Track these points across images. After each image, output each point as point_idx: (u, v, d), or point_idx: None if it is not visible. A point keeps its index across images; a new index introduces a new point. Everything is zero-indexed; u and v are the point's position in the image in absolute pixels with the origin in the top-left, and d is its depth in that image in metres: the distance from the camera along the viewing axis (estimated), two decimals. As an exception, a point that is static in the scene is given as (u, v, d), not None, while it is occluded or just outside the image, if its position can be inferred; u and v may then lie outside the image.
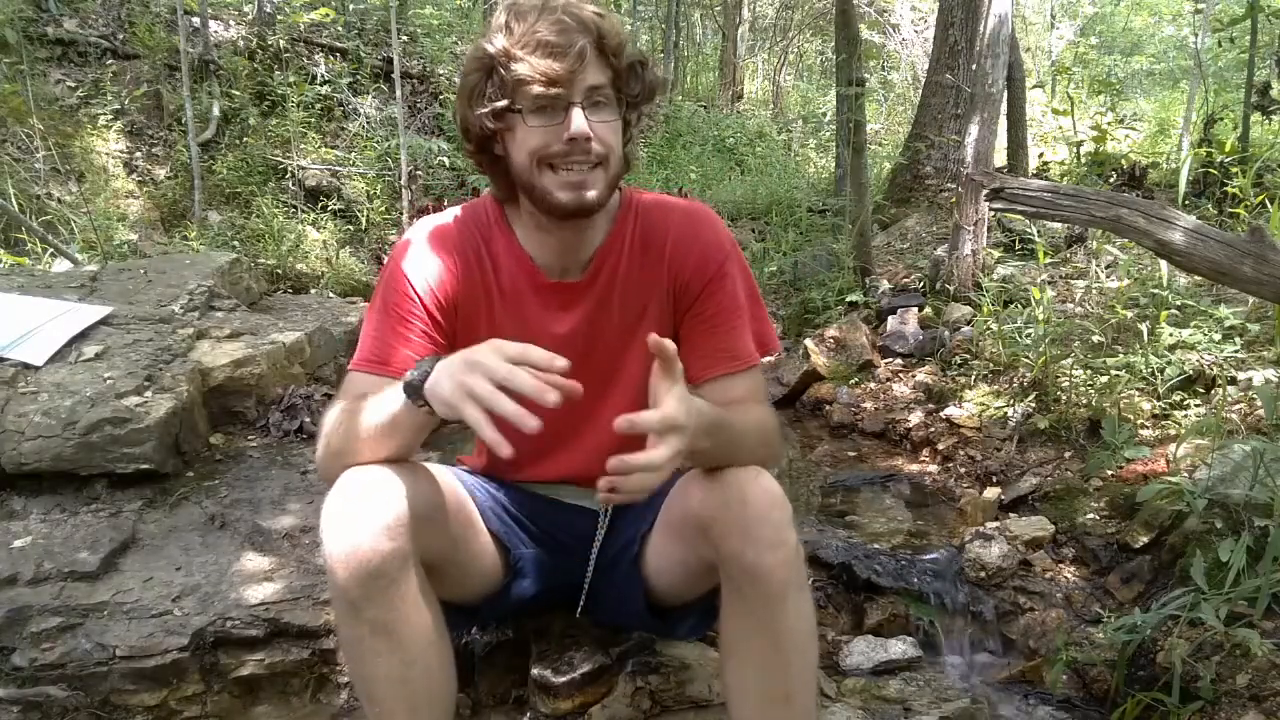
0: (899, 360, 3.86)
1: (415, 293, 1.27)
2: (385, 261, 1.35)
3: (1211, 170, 4.26)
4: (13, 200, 4.42)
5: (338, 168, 6.40)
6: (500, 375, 0.98)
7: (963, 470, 2.97)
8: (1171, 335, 2.88)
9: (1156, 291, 3.13)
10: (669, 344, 1.03)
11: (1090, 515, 2.42)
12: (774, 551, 1.11)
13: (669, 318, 1.34)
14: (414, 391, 1.08)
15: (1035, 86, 6.93)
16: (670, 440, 1.01)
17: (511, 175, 1.24)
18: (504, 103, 1.18)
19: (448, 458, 2.32)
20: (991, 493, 2.72)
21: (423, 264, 1.29)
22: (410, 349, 1.25)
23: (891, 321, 4.05)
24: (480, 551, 1.34)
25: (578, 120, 1.15)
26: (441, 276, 1.29)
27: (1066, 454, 2.77)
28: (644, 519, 1.36)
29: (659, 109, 9.99)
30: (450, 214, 1.36)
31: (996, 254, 4.16)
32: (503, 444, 0.97)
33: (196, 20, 6.30)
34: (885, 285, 4.47)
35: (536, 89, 1.14)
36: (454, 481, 1.32)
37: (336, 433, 1.18)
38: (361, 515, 1.09)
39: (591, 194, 1.20)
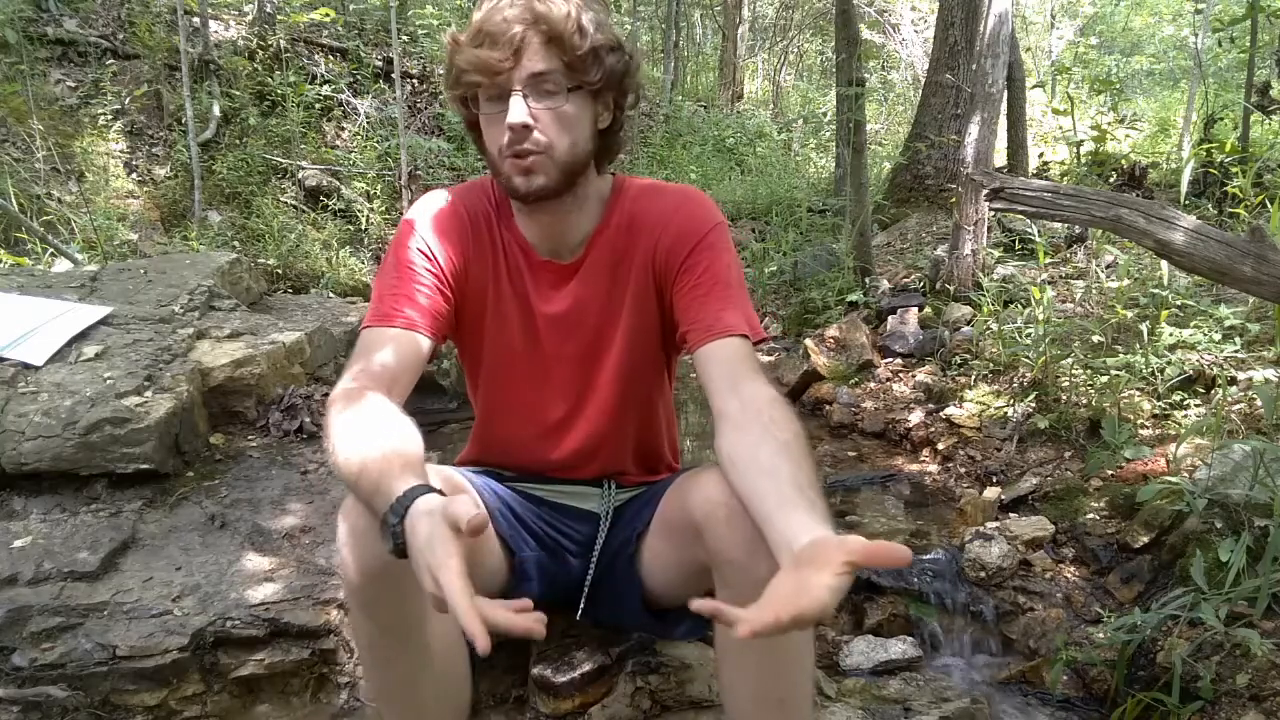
0: (899, 360, 3.86)
1: (430, 252, 1.28)
2: (397, 227, 1.35)
3: (1212, 170, 4.27)
4: (13, 200, 4.42)
5: (338, 168, 6.40)
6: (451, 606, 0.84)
7: (963, 470, 2.97)
8: (1171, 335, 2.88)
9: (1156, 291, 3.13)
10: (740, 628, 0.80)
11: (1090, 515, 2.42)
12: (767, 557, 1.11)
13: (651, 295, 1.33)
14: (391, 532, 0.96)
15: (1035, 86, 6.92)
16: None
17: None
18: (459, 91, 1.21)
19: (448, 458, 2.33)
20: (991, 493, 2.72)
21: (437, 229, 1.30)
22: (424, 304, 1.26)
23: (891, 321, 4.05)
24: (489, 553, 1.34)
25: (514, 109, 1.15)
26: (454, 243, 1.31)
27: (1066, 454, 2.77)
28: (640, 518, 1.36)
29: (659, 107, 10.00)
30: (457, 189, 1.37)
31: (996, 254, 4.17)
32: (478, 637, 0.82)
33: (196, 20, 6.30)
34: (885, 285, 4.47)
35: (470, 79, 1.16)
36: (464, 483, 1.33)
37: (339, 447, 1.08)
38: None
39: (539, 180, 1.19)
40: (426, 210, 1.33)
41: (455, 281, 1.31)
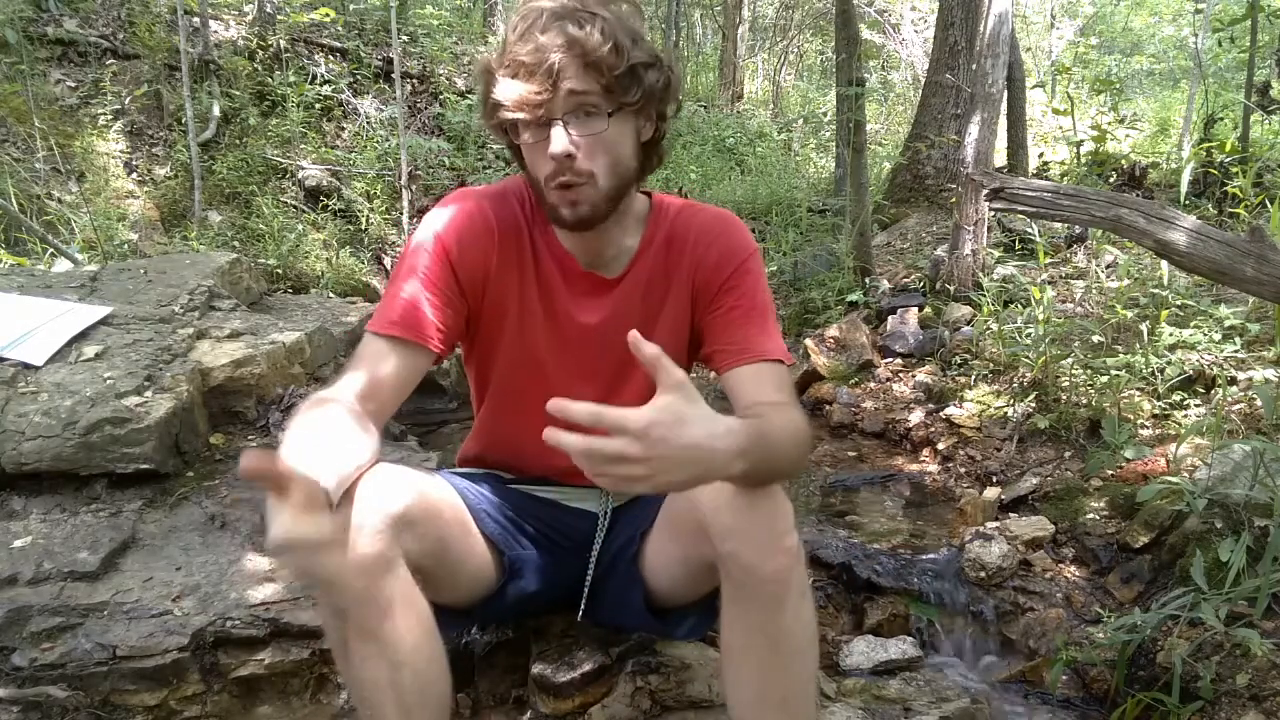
0: (899, 360, 3.86)
1: (448, 258, 1.27)
2: (420, 223, 1.34)
3: (1212, 170, 4.27)
4: (13, 200, 4.42)
5: (338, 168, 6.40)
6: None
7: (963, 470, 2.97)
8: (1171, 335, 2.88)
9: (1156, 291, 3.13)
10: (647, 346, 0.94)
11: (1090, 515, 2.42)
12: (774, 556, 1.11)
13: (686, 313, 1.34)
14: None
15: (1035, 86, 6.93)
16: (617, 443, 0.90)
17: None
18: (495, 120, 1.19)
19: (448, 458, 2.33)
20: (991, 493, 2.72)
21: (460, 234, 1.28)
22: (432, 314, 1.24)
23: (891, 321, 4.05)
24: (471, 553, 1.33)
25: (557, 139, 1.14)
26: (476, 249, 1.29)
27: (1066, 454, 2.77)
28: (644, 518, 1.36)
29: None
30: (488, 191, 1.35)
31: (996, 254, 4.16)
32: None
33: (196, 20, 6.30)
34: (885, 285, 4.47)
35: (508, 115, 1.15)
36: (440, 483, 1.32)
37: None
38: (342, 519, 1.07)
39: (585, 210, 1.20)
40: (451, 213, 1.30)
41: (472, 289, 1.29)
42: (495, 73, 1.16)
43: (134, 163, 5.80)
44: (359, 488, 1.10)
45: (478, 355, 1.41)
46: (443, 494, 1.30)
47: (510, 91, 1.13)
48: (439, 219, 1.30)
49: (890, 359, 3.89)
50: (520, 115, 1.14)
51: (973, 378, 3.37)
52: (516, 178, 1.36)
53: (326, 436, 1.08)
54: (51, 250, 4.14)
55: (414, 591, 1.16)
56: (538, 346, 1.35)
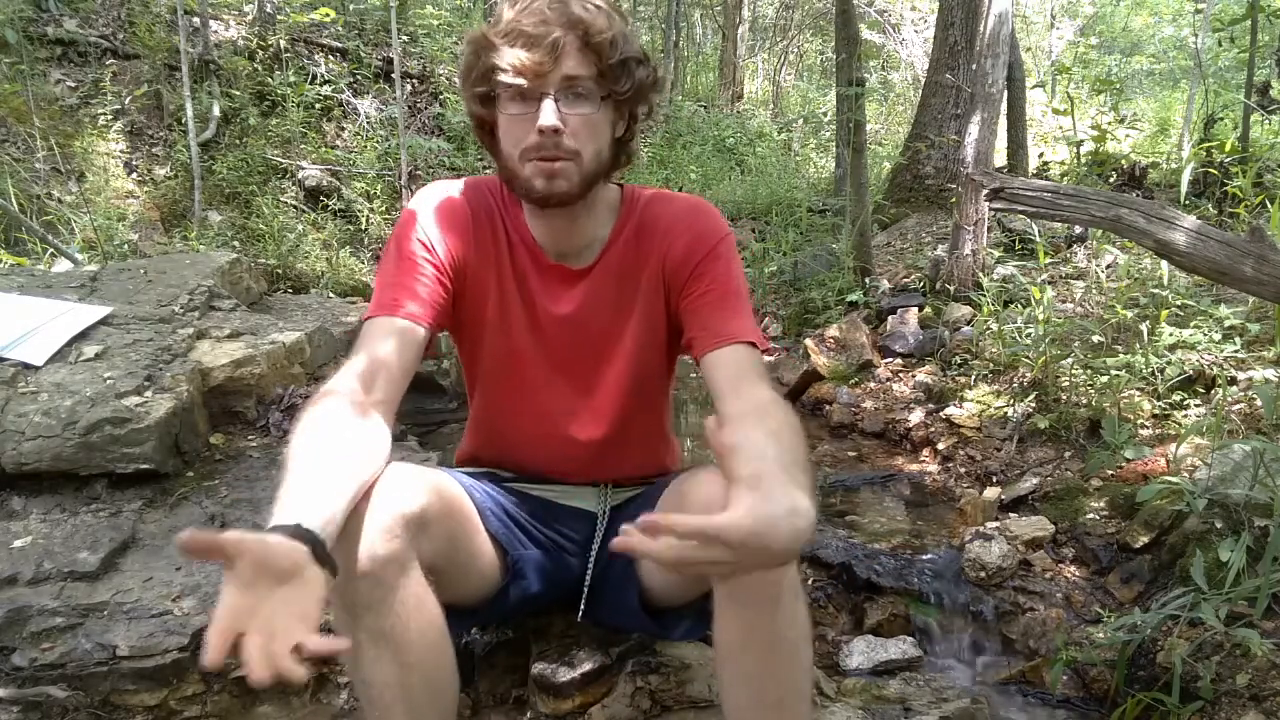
0: (899, 360, 3.87)
1: (429, 243, 1.28)
2: (399, 219, 1.35)
3: (1211, 170, 4.27)
4: (13, 200, 4.42)
5: (338, 168, 6.40)
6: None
7: (963, 470, 2.97)
8: (1171, 335, 2.88)
9: (1156, 291, 3.13)
10: (724, 437, 0.92)
11: (1090, 515, 2.42)
12: None
13: (661, 303, 1.35)
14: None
15: (1035, 86, 6.93)
16: (709, 550, 0.87)
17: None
18: (484, 89, 1.20)
19: (448, 458, 2.33)
20: (991, 493, 2.72)
21: (438, 220, 1.30)
22: (423, 294, 1.26)
23: (891, 321, 4.06)
24: (479, 552, 1.34)
25: (547, 112, 1.15)
26: (455, 236, 1.30)
27: (1066, 454, 2.77)
28: (640, 518, 1.36)
29: (661, 107, 10.00)
30: (462, 183, 1.37)
31: (996, 254, 4.16)
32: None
33: (196, 20, 6.30)
34: (885, 285, 4.47)
35: (506, 79, 1.15)
36: (450, 481, 1.32)
37: (295, 440, 1.07)
38: (358, 519, 1.08)
39: (563, 185, 1.20)
40: (428, 201, 1.33)
41: (454, 273, 1.31)
42: (492, 38, 1.16)
43: (134, 163, 5.80)
44: (375, 489, 1.10)
45: (466, 348, 1.42)
46: (454, 491, 1.31)
47: (510, 57, 1.14)
48: (417, 207, 1.32)
49: (890, 359, 3.89)
50: (519, 81, 1.15)
51: (973, 378, 3.37)
52: (491, 175, 1.37)
53: (332, 452, 1.06)
54: (51, 250, 4.14)
55: (427, 594, 1.16)
56: (517, 336, 1.36)
